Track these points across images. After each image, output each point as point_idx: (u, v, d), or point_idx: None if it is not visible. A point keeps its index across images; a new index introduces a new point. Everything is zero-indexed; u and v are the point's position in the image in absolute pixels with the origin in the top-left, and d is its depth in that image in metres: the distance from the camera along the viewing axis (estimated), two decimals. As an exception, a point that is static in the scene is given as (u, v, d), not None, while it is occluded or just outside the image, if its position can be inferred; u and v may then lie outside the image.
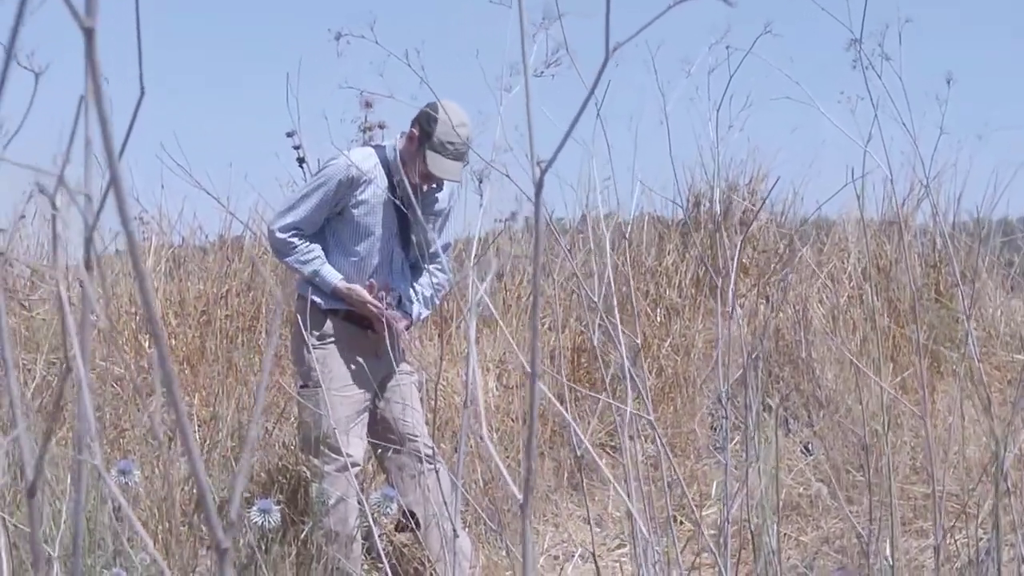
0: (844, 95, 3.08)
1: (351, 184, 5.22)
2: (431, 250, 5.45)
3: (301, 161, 8.12)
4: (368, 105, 8.23)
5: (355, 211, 5.26)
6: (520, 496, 1.01)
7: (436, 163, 5.12)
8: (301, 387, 5.33)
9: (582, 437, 1.78)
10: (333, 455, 5.10)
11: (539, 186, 0.98)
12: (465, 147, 5.12)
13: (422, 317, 5.60)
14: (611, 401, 2.22)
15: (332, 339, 5.30)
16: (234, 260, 8.22)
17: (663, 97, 3.01)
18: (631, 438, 6.05)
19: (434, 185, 5.33)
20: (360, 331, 5.25)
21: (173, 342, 7.47)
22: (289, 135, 8.18)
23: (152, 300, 0.74)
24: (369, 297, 5.19)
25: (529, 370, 0.97)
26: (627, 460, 2.28)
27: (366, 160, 5.28)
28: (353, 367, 5.28)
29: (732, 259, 2.50)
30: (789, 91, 3.05)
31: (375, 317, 5.18)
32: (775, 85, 3.11)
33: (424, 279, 5.48)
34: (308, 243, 5.26)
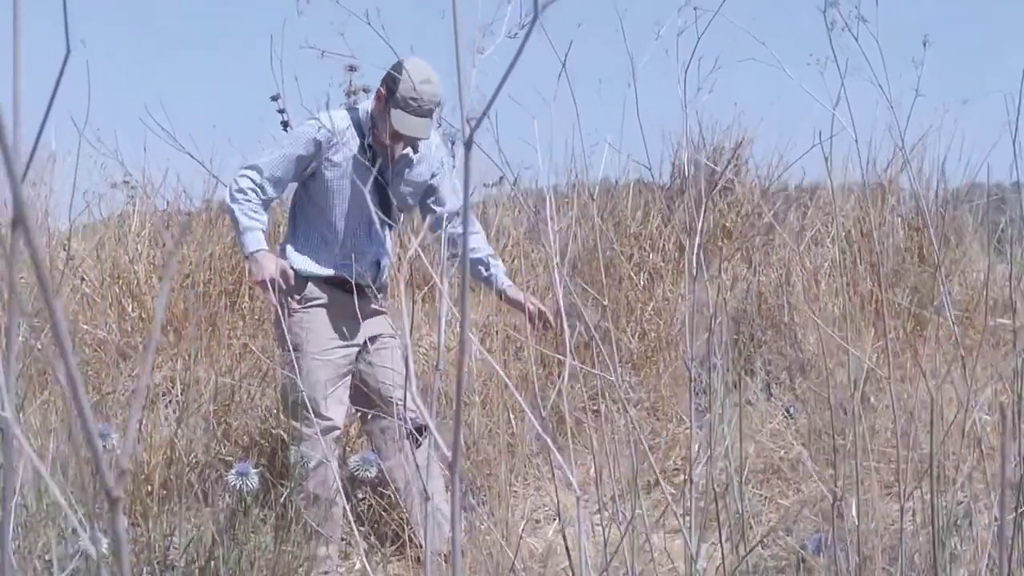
0: (814, 57, 3.06)
1: (322, 145, 5.21)
2: (447, 213, 5.44)
3: (285, 124, 8.13)
4: (352, 69, 8.23)
5: (328, 173, 5.25)
6: (448, 452, 1.01)
7: (401, 120, 5.11)
8: (282, 351, 5.33)
9: (538, 403, 1.78)
10: (314, 419, 5.10)
11: (469, 142, 0.99)
12: (431, 104, 5.12)
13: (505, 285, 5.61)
14: (577, 363, 2.22)
15: (313, 302, 5.29)
16: (217, 223, 8.21)
17: (631, 60, 3.00)
18: (614, 401, 6.05)
19: (408, 149, 5.34)
20: (342, 294, 5.24)
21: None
22: (274, 99, 8.19)
23: (39, 248, 0.74)
24: (269, 278, 5.17)
25: (458, 327, 0.97)
26: (568, 412, 2.27)
27: (340, 122, 5.27)
28: (334, 330, 5.29)
29: (699, 215, 2.50)
30: (760, 53, 3.04)
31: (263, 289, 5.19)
32: (748, 48, 3.10)
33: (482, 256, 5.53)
34: (262, 205, 5.24)
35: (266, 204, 5.26)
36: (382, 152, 5.28)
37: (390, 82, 5.14)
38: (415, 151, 5.38)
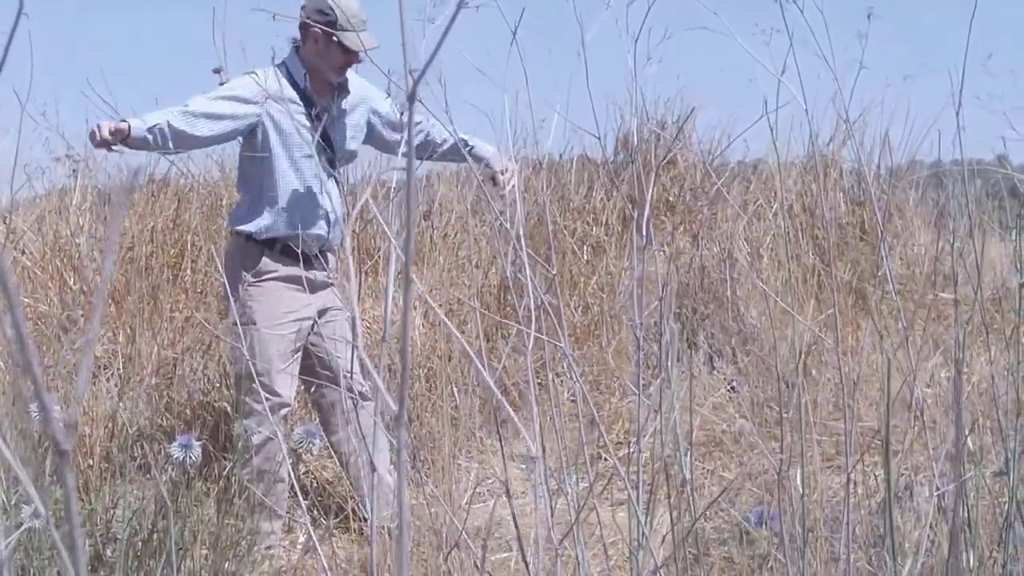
0: (758, 28, 3.05)
1: (261, 97, 5.12)
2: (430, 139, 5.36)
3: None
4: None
5: (271, 129, 5.16)
6: (395, 407, 1.00)
7: (353, 40, 5.09)
8: (233, 325, 5.25)
9: (485, 374, 1.77)
10: (265, 394, 5.02)
11: (412, 96, 0.98)
12: (365, 18, 5.19)
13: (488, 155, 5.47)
14: (520, 326, 2.22)
15: (267, 276, 5.20)
16: (159, 196, 8.15)
17: (581, 29, 2.98)
18: (558, 374, 6.04)
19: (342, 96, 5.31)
20: (295, 266, 5.14)
21: (98, 279, 7.40)
22: (216, 71, 8.09)
23: None
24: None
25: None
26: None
27: (271, 79, 5.16)
28: (287, 304, 5.20)
29: (648, 184, 2.49)
30: (710, 23, 3.03)
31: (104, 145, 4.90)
32: (697, 18, 3.08)
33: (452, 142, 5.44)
34: (171, 132, 4.97)
35: (182, 136, 5.01)
36: (322, 98, 5.26)
37: (323, 16, 5.13)
38: (347, 92, 5.34)
